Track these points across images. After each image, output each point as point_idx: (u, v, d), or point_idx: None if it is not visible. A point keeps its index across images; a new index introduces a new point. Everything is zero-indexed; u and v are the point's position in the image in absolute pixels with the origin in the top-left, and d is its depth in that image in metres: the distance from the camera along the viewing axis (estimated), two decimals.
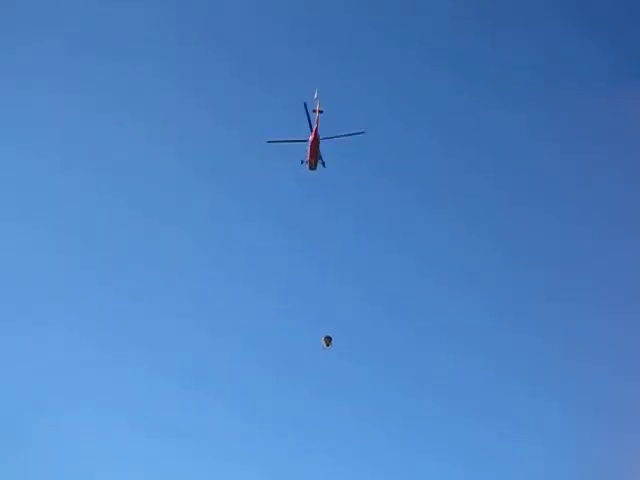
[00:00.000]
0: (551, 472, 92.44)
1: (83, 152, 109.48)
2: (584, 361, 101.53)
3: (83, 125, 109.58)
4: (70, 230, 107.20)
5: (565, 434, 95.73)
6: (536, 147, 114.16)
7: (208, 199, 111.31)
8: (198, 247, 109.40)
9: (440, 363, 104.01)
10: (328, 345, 75.13)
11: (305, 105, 73.89)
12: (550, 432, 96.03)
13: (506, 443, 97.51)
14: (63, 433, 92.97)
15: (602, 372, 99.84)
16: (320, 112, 74.48)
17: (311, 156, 75.30)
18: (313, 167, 75.98)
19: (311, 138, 74.96)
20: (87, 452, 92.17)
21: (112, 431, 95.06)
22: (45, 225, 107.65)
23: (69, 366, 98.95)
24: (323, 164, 76.22)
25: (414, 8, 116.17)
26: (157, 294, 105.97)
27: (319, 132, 75.07)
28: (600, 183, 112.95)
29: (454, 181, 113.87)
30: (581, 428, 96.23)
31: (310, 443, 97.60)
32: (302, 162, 76.19)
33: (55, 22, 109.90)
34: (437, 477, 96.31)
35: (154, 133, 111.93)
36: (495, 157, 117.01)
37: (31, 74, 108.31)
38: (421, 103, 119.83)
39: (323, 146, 75.80)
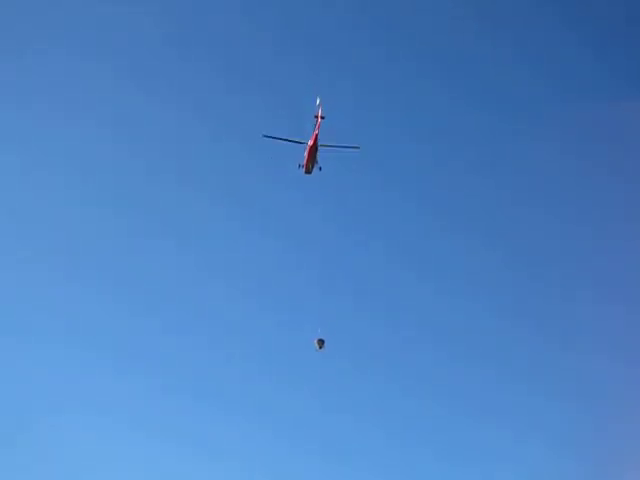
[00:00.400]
0: (551, 472, 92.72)
1: (81, 160, 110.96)
2: (584, 361, 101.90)
3: (82, 126, 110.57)
4: (71, 241, 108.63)
5: (565, 434, 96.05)
6: (536, 147, 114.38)
7: (207, 205, 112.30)
8: (196, 253, 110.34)
9: (440, 363, 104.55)
10: (321, 347, 75.68)
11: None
12: (550, 432, 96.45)
13: (506, 443, 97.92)
14: (63, 434, 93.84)
15: (602, 372, 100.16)
16: (322, 118, 74.38)
17: (308, 160, 75.29)
18: (309, 171, 76.13)
19: (310, 143, 74.80)
20: (87, 452, 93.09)
21: (112, 432, 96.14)
22: (45, 237, 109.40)
23: (69, 368, 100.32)
24: (320, 168, 76.23)
25: (414, 8, 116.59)
26: (154, 297, 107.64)
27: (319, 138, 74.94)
28: (600, 183, 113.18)
29: (454, 181, 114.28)
30: (581, 428, 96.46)
31: (310, 443, 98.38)
32: (299, 166, 76.29)
33: (54, 23, 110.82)
34: (437, 477, 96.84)
35: (153, 136, 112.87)
36: (495, 157, 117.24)
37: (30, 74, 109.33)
38: (421, 103, 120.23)
39: (320, 150, 75.74)
